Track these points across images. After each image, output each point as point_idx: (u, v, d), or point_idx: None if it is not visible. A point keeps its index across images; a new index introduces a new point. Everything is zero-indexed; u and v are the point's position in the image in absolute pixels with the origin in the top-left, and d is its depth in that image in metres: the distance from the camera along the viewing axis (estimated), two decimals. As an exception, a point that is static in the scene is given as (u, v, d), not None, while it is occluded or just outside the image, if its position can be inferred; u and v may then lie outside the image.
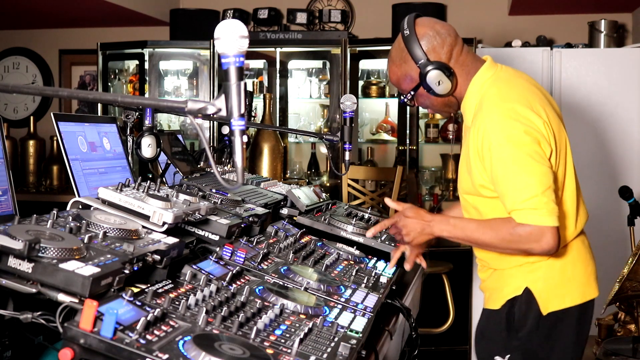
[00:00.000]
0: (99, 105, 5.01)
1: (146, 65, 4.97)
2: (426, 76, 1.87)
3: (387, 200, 2.01)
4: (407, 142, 4.75)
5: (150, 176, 2.49)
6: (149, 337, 1.05)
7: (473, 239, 1.85)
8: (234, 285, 1.41)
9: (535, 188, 1.73)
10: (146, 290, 1.22)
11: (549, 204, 1.72)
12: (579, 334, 1.94)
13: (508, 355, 1.92)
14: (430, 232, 1.90)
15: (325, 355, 1.20)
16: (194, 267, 1.44)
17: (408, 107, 4.72)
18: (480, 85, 1.91)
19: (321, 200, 2.54)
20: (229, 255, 1.62)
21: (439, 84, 1.88)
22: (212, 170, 2.48)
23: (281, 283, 1.56)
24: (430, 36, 1.88)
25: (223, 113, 1.12)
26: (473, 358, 3.70)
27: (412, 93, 1.94)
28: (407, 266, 2.14)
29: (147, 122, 2.07)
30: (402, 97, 2.02)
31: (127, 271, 1.23)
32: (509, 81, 1.91)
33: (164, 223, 1.52)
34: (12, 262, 1.14)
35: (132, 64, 5.37)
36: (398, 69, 1.95)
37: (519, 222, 1.73)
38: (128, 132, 2.14)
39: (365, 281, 1.76)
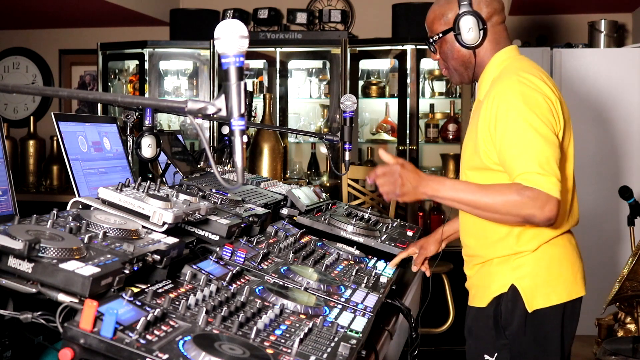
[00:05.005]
0: (99, 105, 5.01)
1: (146, 65, 4.97)
2: (461, 18, 1.91)
3: (382, 152, 1.87)
4: (407, 142, 4.75)
5: (150, 176, 2.49)
6: (149, 337, 1.05)
7: (473, 201, 1.75)
8: (234, 285, 1.41)
9: (548, 155, 1.71)
10: (146, 290, 1.22)
11: (556, 174, 1.70)
12: (566, 332, 1.92)
13: (496, 354, 1.90)
14: (424, 192, 1.77)
15: (325, 355, 1.20)
16: (194, 267, 1.44)
17: (408, 107, 4.72)
18: (503, 60, 1.94)
19: (321, 200, 2.54)
20: (229, 255, 1.62)
21: (468, 31, 1.91)
22: (212, 170, 2.48)
23: (281, 283, 1.56)
24: None
25: (223, 113, 1.12)
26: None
27: (440, 35, 1.96)
28: (414, 268, 2.16)
29: (147, 122, 2.07)
30: (427, 43, 2.02)
31: (127, 271, 1.23)
32: (531, 63, 1.94)
33: (164, 223, 1.52)
34: (12, 262, 1.14)
35: (132, 64, 5.37)
36: (438, 8, 1.98)
37: (526, 185, 1.68)
38: (128, 132, 2.14)
39: (365, 281, 1.76)
